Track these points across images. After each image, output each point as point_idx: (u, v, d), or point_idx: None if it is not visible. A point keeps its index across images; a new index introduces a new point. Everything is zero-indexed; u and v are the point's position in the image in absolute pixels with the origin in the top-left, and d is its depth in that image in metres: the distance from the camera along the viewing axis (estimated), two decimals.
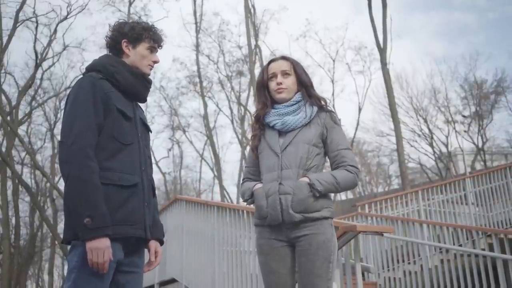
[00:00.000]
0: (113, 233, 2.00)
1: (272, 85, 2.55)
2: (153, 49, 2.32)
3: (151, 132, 2.41)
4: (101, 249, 1.94)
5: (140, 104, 2.40)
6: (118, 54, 2.29)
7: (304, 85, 2.55)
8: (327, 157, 2.54)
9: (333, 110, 2.56)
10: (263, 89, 2.58)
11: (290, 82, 2.54)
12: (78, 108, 2.09)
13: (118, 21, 2.34)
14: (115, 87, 2.20)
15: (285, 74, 2.54)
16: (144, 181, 2.19)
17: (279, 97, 2.53)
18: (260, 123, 2.56)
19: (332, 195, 2.56)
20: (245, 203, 2.60)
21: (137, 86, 2.25)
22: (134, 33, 2.28)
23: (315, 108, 2.52)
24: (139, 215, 2.12)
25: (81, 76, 2.24)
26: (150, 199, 2.24)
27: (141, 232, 2.13)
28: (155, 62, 2.34)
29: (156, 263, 2.28)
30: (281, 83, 2.52)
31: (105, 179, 2.05)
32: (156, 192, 2.45)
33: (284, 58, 2.61)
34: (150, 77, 2.38)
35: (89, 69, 2.25)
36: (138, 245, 2.19)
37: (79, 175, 1.97)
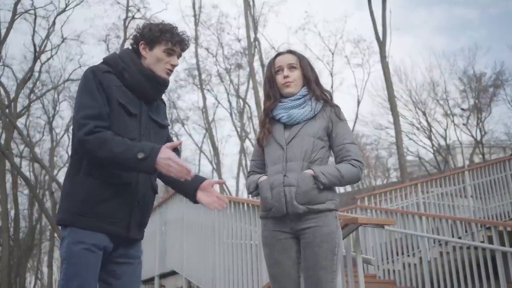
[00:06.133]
0: (91, 226, 2.04)
1: (279, 78, 2.56)
2: (171, 52, 2.23)
3: (166, 127, 2.37)
4: (170, 159, 1.99)
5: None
6: (139, 56, 2.25)
7: (310, 80, 2.55)
8: (331, 151, 2.55)
9: (338, 104, 2.57)
10: (271, 83, 2.58)
11: (296, 75, 2.55)
12: (82, 97, 2.10)
13: (145, 23, 2.29)
14: (123, 83, 2.17)
15: (291, 67, 2.56)
16: (139, 180, 2.16)
17: (287, 91, 2.54)
18: (268, 117, 2.57)
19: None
20: (251, 196, 2.61)
21: (146, 87, 2.20)
22: (151, 35, 2.22)
23: (321, 102, 2.53)
24: (122, 214, 2.11)
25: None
26: (146, 199, 2.21)
27: (122, 230, 2.11)
28: (173, 65, 2.26)
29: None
30: (288, 76, 2.53)
31: (95, 172, 2.07)
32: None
33: (290, 52, 2.62)
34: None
35: (103, 61, 2.24)
36: (129, 240, 2.19)
37: (104, 153, 1.99)
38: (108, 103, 2.10)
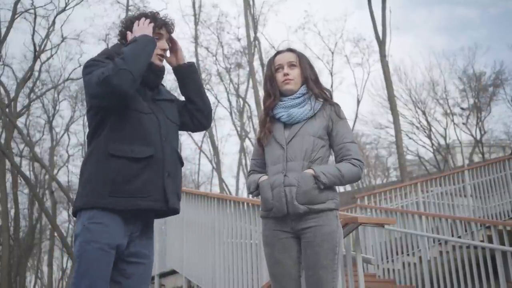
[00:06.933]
0: (125, 206, 2.04)
1: (279, 76, 2.56)
2: (158, 36, 2.30)
3: (173, 100, 2.42)
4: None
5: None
6: None
7: (308, 78, 2.55)
8: (331, 150, 2.55)
9: (338, 103, 2.57)
10: (271, 81, 2.58)
11: (296, 73, 2.55)
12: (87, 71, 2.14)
13: (128, 16, 2.37)
14: None
15: (291, 65, 2.56)
16: (165, 152, 2.18)
17: (286, 88, 2.54)
18: (269, 116, 2.57)
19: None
20: (251, 195, 2.61)
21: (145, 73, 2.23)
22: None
23: (320, 101, 2.53)
24: (155, 186, 2.12)
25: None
26: (175, 170, 2.23)
27: (159, 204, 2.12)
28: (164, 49, 2.31)
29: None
30: (288, 74, 2.53)
31: (117, 151, 2.08)
32: None
33: (290, 50, 2.63)
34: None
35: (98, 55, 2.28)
36: (147, 226, 2.21)
37: (122, 64, 2.06)
38: None
